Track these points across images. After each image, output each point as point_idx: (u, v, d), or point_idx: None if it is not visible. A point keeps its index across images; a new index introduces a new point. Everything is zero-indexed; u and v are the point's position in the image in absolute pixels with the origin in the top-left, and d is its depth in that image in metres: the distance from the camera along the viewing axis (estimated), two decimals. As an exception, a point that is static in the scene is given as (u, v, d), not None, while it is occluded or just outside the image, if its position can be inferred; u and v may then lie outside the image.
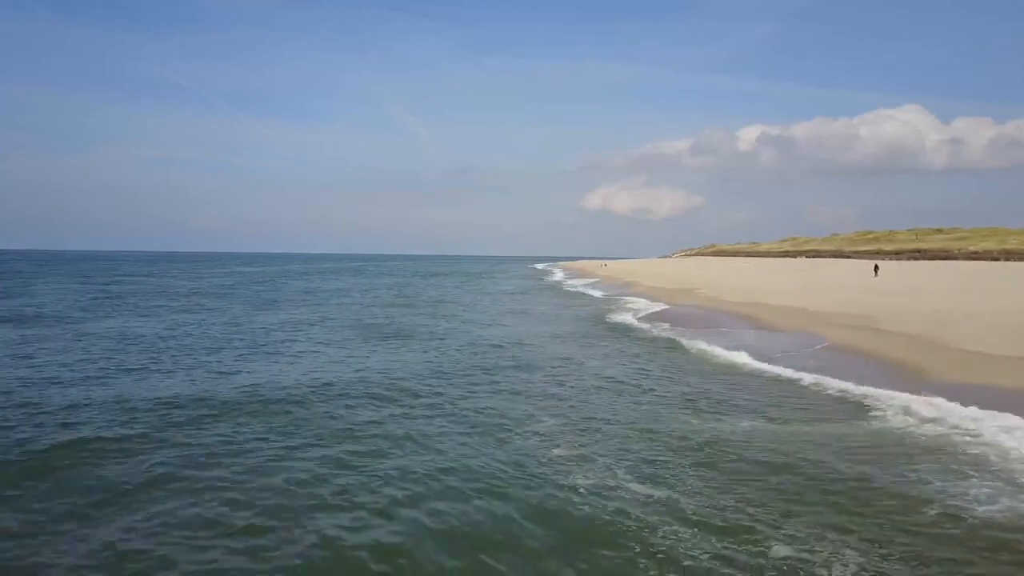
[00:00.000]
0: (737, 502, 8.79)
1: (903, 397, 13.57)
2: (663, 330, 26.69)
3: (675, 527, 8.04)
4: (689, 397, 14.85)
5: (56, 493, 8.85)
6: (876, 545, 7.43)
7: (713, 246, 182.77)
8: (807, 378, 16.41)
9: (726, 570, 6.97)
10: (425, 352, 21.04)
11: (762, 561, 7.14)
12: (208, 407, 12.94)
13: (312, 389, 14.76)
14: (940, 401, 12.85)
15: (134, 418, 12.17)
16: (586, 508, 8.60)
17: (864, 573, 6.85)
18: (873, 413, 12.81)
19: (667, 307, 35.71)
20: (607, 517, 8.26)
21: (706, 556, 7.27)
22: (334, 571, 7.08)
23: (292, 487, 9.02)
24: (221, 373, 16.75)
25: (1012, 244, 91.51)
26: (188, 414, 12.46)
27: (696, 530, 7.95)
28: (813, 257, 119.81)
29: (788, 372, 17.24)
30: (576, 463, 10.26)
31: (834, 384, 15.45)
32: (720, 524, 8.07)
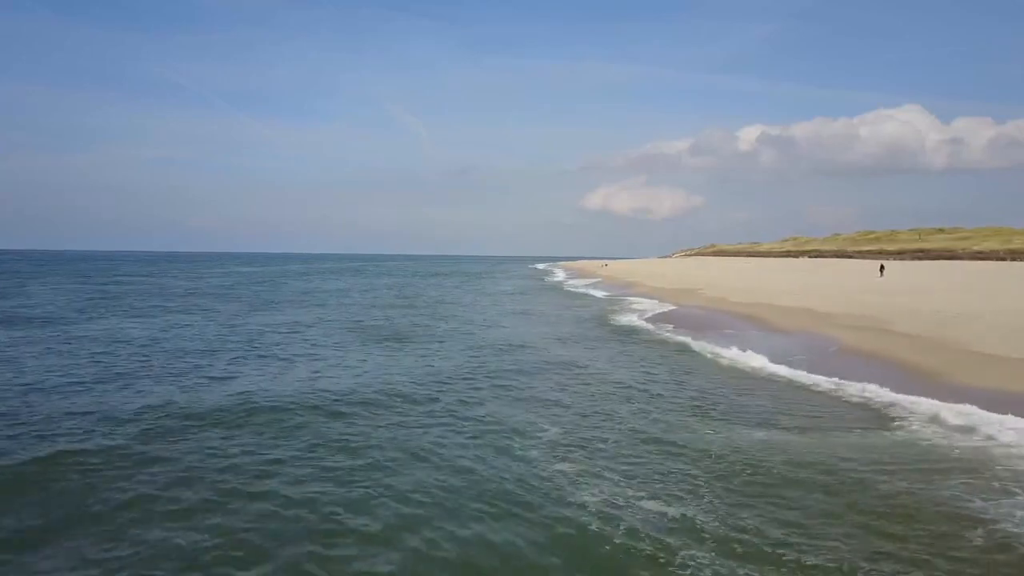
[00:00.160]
0: (759, 522, 8.13)
1: (928, 403, 12.86)
2: (669, 332, 26.02)
3: (693, 551, 7.38)
4: (700, 403, 14.19)
5: (25, 514, 8.18)
6: (918, 574, 6.76)
7: (713, 246, 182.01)
8: (822, 382, 15.75)
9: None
10: (424, 356, 20.37)
11: (793, 593, 6.48)
12: (196, 417, 12.24)
13: (306, 396, 14.06)
14: (970, 408, 12.12)
15: (116, 429, 11.47)
16: (594, 529, 7.94)
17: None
18: (897, 421, 12.12)
19: (672, 308, 35.04)
20: (618, 541, 7.59)
21: (731, 587, 6.62)
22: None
23: (279, 508, 8.34)
24: (212, 379, 16.06)
25: (1017, 244, 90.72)
26: (174, 425, 11.76)
27: (716, 554, 7.29)
28: (815, 257, 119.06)
29: (802, 376, 16.58)
30: (583, 477, 9.59)
31: (851, 389, 14.78)
32: (742, 548, 7.41)
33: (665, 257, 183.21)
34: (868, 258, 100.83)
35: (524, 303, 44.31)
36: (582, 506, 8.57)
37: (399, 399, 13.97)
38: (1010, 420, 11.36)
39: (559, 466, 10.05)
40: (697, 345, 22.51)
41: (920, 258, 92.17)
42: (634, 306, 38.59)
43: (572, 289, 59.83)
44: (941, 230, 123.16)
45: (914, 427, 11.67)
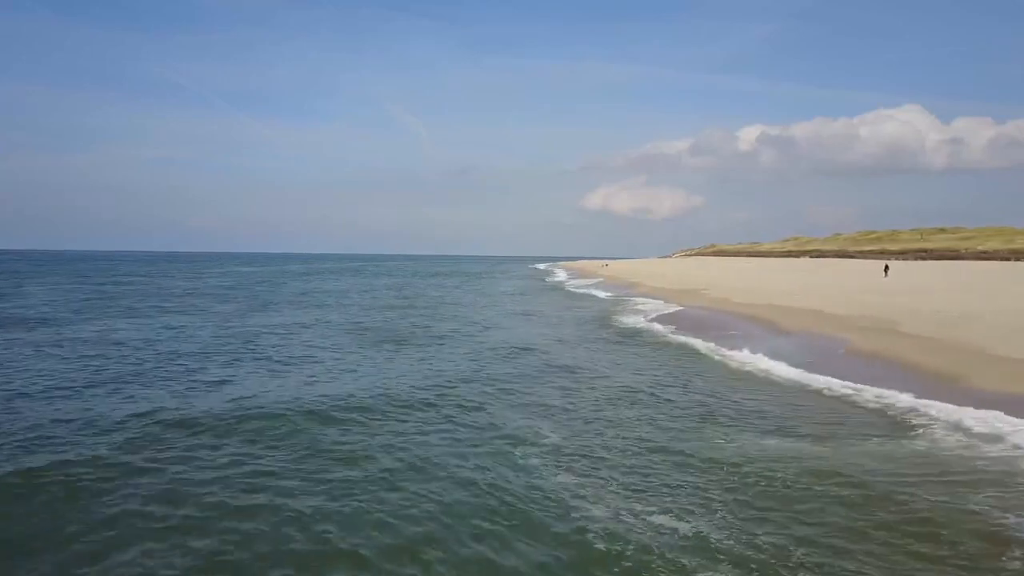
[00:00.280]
0: (777, 539, 7.64)
1: (949, 409, 12.31)
2: (675, 333, 25.53)
3: (709, 572, 6.91)
4: (709, 409, 13.70)
5: (1, 530, 7.71)
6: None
7: (713, 246, 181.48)
8: (835, 386, 15.27)
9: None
10: (423, 359, 19.87)
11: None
12: (184, 425, 11.70)
13: (299, 402, 13.54)
14: (995, 414, 11.58)
15: (102, 438, 10.97)
16: (602, 548, 7.46)
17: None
18: (918, 429, 11.61)
19: (676, 309, 34.54)
20: (628, 563, 7.11)
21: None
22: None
23: (267, 526, 7.85)
24: (203, 384, 15.55)
25: (1020, 243, 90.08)
26: (162, 433, 11.24)
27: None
28: (817, 257, 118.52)
29: (814, 380, 16.09)
30: (589, 490, 9.10)
31: (866, 394, 14.28)
32: (760, 569, 6.92)
33: (665, 257, 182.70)
34: (870, 258, 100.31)
35: (526, 304, 43.81)
36: (589, 522, 8.09)
37: (396, 405, 13.46)
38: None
39: (563, 478, 9.56)
40: (703, 347, 22.03)
41: (923, 258, 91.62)
42: (638, 307, 38.09)
43: (574, 289, 59.33)
44: (943, 230, 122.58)
45: (936, 435, 11.14)
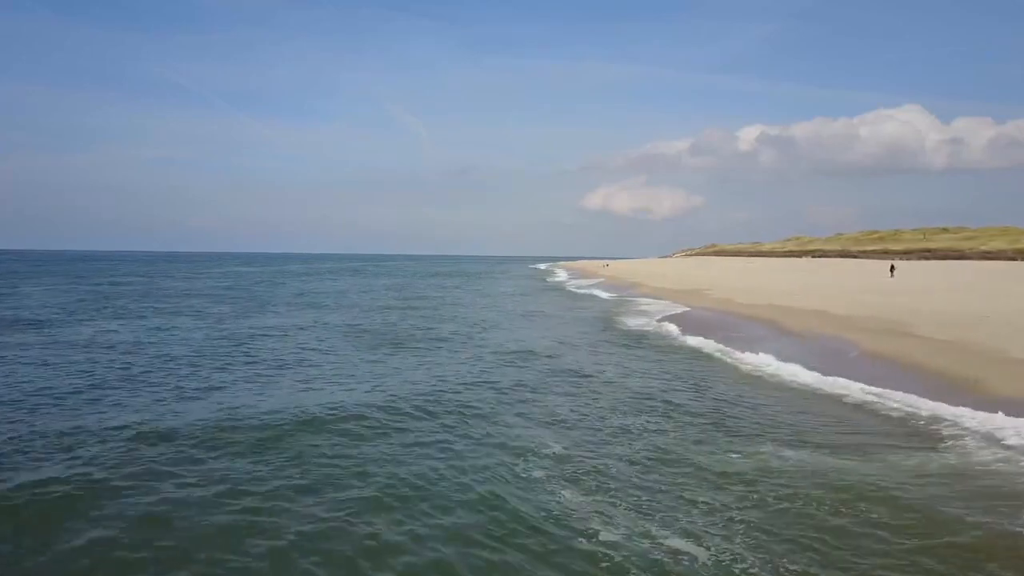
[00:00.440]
0: (806, 565, 7.01)
1: (980, 418, 11.60)
2: (682, 335, 24.87)
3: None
4: (723, 417, 13.05)
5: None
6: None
7: (714, 246, 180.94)
8: (852, 391, 14.63)
9: None
10: (422, 364, 19.21)
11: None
12: (169, 439, 10.93)
13: (291, 411, 12.81)
14: (1032, 425, 10.94)
15: (80, 454, 10.20)
16: (615, 576, 6.83)
17: None
18: (947, 439, 10.94)
19: (681, 310, 33.88)
20: (647, 594, 6.47)
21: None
22: None
23: (250, 558, 7.21)
24: (192, 392, 14.81)
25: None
26: (146, 449, 10.43)
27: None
28: (819, 257, 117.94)
29: (829, 384, 15.46)
30: (598, 509, 8.45)
31: (886, 400, 13.64)
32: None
33: (665, 257, 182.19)
34: (872, 258, 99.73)
35: (527, 305, 43.16)
36: (599, 546, 7.44)
37: (393, 415, 12.75)
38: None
39: (570, 495, 8.90)
40: (712, 349, 21.39)
41: (927, 258, 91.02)
42: (641, 308, 37.45)
43: (575, 290, 58.66)
44: (945, 230, 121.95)
45: (967, 447, 10.46)
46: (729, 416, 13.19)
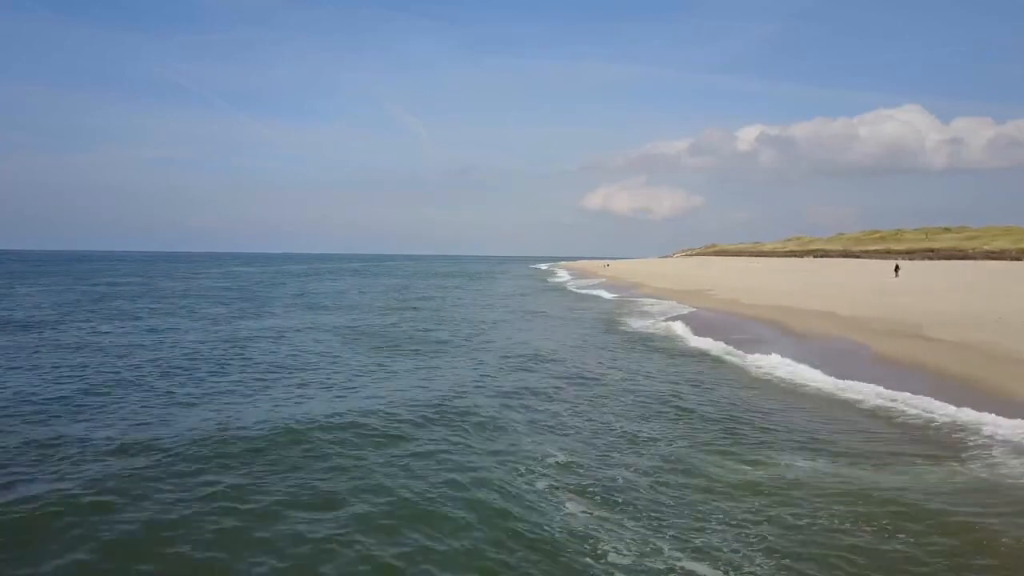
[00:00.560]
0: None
1: (1007, 426, 11.04)
2: (689, 337, 24.36)
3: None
4: (736, 424, 12.53)
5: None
6: None
7: (714, 246, 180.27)
8: (867, 395, 14.13)
9: None
10: (423, 369, 18.68)
11: None
12: (154, 452, 10.23)
13: (283, 422, 12.16)
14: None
15: (56, 468, 9.59)
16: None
17: None
18: (971, 448, 10.41)
19: (685, 311, 33.35)
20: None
21: None
22: None
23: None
24: (182, 400, 14.11)
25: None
26: (125, 464, 9.70)
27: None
28: (820, 257, 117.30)
29: (842, 389, 14.94)
30: (607, 525, 7.95)
31: (903, 406, 13.12)
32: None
33: (665, 257, 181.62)
34: (874, 258, 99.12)
35: (529, 306, 42.63)
36: (609, 568, 6.93)
37: (391, 425, 12.16)
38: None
39: (576, 511, 8.38)
40: (719, 351, 20.88)
41: (930, 258, 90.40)
42: (645, 308, 36.92)
43: (577, 290, 58.13)
44: (948, 229, 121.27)
45: (995, 458, 9.89)
46: (740, 422, 12.67)
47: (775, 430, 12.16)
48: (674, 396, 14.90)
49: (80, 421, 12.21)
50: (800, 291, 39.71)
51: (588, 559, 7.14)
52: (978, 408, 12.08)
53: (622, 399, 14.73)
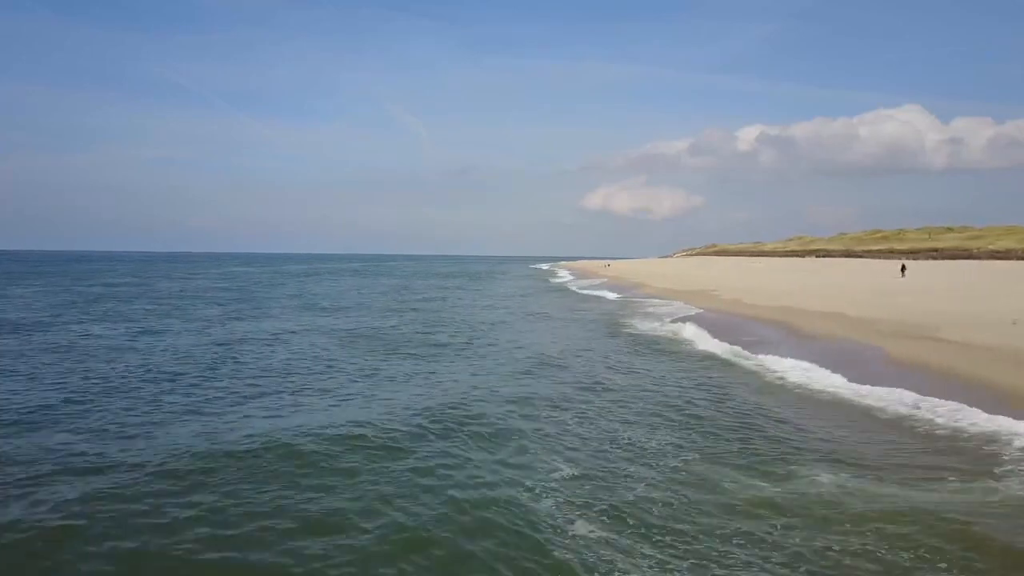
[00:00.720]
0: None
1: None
2: (694, 339, 23.71)
3: None
4: (747, 434, 11.88)
5: None
6: None
7: (714, 246, 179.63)
8: (889, 401, 13.51)
9: None
10: (422, 374, 18.01)
11: None
12: (138, 468, 9.52)
13: (275, 435, 11.56)
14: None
15: (33, 489, 9.05)
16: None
17: None
18: (1006, 463, 9.76)
19: (690, 312, 32.69)
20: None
21: None
22: None
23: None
24: (169, 410, 13.32)
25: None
26: (107, 481, 9.12)
27: None
28: (822, 257, 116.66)
29: (860, 394, 14.30)
30: (619, 548, 7.30)
31: (927, 414, 12.47)
32: None
33: (666, 257, 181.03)
34: (877, 257, 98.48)
35: (531, 307, 41.99)
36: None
37: (388, 436, 11.45)
38: None
39: (585, 531, 7.73)
40: (727, 354, 20.25)
41: (934, 257, 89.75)
42: (649, 309, 36.27)
43: (580, 291, 57.49)
44: (950, 229, 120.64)
45: (1034, 473, 9.29)
46: (756, 431, 12.03)
47: (793, 440, 11.52)
48: (685, 403, 14.26)
49: (62, 430, 11.58)
50: (804, 291, 39.07)
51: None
52: (1015, 417, 11.40)
53: (631, 406, 14.08)
